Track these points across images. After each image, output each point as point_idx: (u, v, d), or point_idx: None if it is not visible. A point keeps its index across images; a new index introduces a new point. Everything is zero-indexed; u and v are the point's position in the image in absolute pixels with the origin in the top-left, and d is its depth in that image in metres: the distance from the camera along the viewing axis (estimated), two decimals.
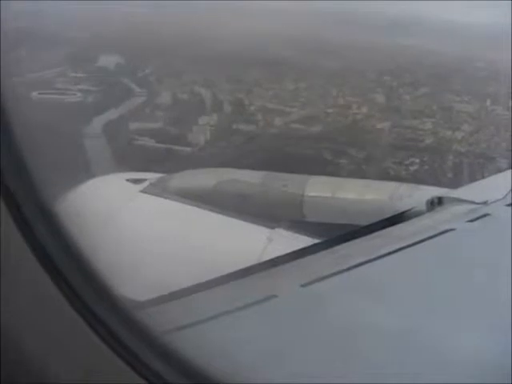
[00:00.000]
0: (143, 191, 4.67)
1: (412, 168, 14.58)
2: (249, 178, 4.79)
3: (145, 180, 4.80)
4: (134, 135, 15.88)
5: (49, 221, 1.42)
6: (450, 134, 15.19)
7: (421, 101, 16.38)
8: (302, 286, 2.83)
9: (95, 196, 4.55)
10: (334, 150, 15.22)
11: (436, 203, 3.91)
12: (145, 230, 4.23)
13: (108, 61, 17.48)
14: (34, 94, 15.97)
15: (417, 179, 13.65)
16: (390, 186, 4.58)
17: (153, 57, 17.70)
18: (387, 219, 3.81)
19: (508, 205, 3.68)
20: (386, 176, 13.99)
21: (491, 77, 13.77)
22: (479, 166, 13.47)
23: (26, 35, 15.14)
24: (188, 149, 15.41)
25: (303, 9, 16.62)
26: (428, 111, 16.00)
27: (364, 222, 3.82)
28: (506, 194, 3.80)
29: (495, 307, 2.67)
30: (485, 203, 3.75)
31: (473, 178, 12.61)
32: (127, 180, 4.81)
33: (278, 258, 3.32)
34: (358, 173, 14.20)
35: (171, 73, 17.38)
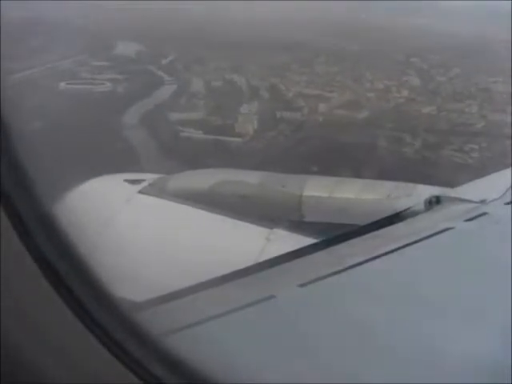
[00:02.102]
0: (141, 192, 4.67)
1: (473, 155, 14.12)
2: (247, 179, 4.80)
3: (143, 181, 4.80)
4: (177, 126, 15.41)
5: (47, 223, 1.42)
6: (499, 117, 14.79)
7: (455, 82, 16.10)
8: (300, 285, 2.83)
9: (93, 197, 4.55)
10: (388, 136, 14.93)
11: (434, 202, 3.92)
12: (143, 231, 4.23)
13: (127, 48, 17.19)
14: (62, 84, 15.71)
15: (485, 167, 13.22)
16: (388, 186, 4.58)
17: (173, 43, 17.37)
18: (385, 219, 3.82)
19: (506, 203, 3.68)
20: (453, 164, 13.63)
21: None
22: None
23: (37, 24, 14.96)
24: (238, 139, 14.93)
25: None
26: (467, 93, 15.70)
27: (362, 222, 3.82)
28: (504, 193, 3.80)
29: (494, 306, 2.67)
30: (483, 202, 3.75)
31: None
32: (125, 181, 4.81)
33: (276, 258, 3.32)
34: (424, 161, 13.88)
35: (196, 59, 17.04)
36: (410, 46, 16.96)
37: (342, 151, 14.04)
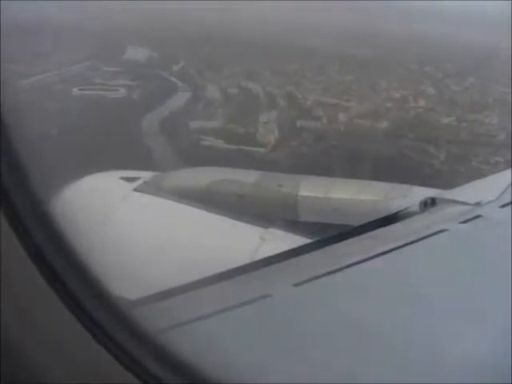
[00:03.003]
0: (137, 189, 4.67)
1: (500, 168, 13.98)
2: (243, 178, 4.80)
3: (138, 178, 4.80)
4: (197, 134, 15.03)
5: (44, 221, 1.42)
6: None
7: (471, 92, 15.93)
8: (295, 285, 2.84)
9: (89, 194, 4.55)
10: (411, 147, 14.68)
11: (429, 204, 3.92)
12: (139, 229, 4.23)
13: (137, 53, 16.89)
14: (75, 90, 15.48)
15: None
16: (384, 187, 4.59)
17: (182, 48, 17.07)
18: (381, 219, 3.83)
19: (501, 206, 3.69)
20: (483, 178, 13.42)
21: None
22: None
23: (44, 28, 14.74)
24: (261, 149, 14.56)
25: None
26: (484, 103, 15.53)
27: (358, 222, 3.83)
28: (499, 196, 3.81)
29: (490, 307, 2.68)
30: (478, 204, 3.76)
31: None
32: (121, 178, 4.80)
33: (271, 257, 3.32)
34: (452, 173, 13.67)
35: (208, 65, 16.75)
36: (421, 53, 16.80)
37: (367, 162, 13.81)
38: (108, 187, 4.76)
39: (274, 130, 15.07)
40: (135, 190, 4.67)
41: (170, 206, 4.52)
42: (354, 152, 14.32)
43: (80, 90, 15.46)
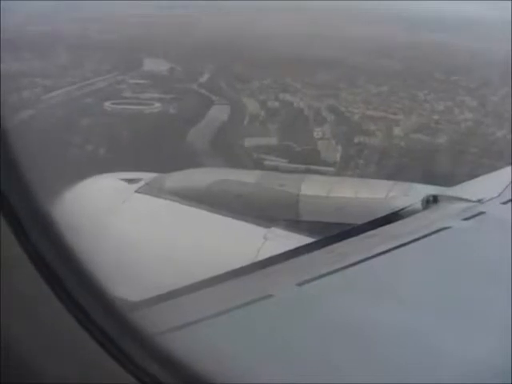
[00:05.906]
0: (138, 191, 4.67)
1: None
2: (244, 178, 4.80)
3: (140, 180, 4.80)
4: (256, 153, 14.29)
5: (43, 222, 1.42)
6: None
7: (508, 102, 15.57)
8: (298, 285, 2.84)
9: (90, 196, 4.55)
10: (482, 165, 14.15)
11: (431, 201, 3.92)
12: (140, 230, 4.23)
13: (156, 65, 16.25)
14: (107, 104, 14.94)
15: None
16: (386, 185, 4.59)
17: (204, 60, 16.51)
18: (383, 218, 3.83)
19: (503, 203, 3.69)
20: None
21: None
22: None
23: (59, 40, 14.44)
24: (330, 169, 13.50)
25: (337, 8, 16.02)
26: None
27: (360, 221, 3.82)
28: (501, 192, 3.81)
29: (492, 306, 2.68)
30: (480, 201, 3.75)
31: None
32: (122, 180, 4.80)
33: (273, 257, 3.32)
34: None
35: (237, 77, 16.15)
36: (444, 63, 16.43)
37: (446, 183, 13.39)
38: (109, 189, 4.77)
39: (337, 147, 14.39)
40: (136, 191, 4.67)
41: (172, 207, 4.53)
42: (427, 172, 13.59)
43: (113, 104, 14.84)
